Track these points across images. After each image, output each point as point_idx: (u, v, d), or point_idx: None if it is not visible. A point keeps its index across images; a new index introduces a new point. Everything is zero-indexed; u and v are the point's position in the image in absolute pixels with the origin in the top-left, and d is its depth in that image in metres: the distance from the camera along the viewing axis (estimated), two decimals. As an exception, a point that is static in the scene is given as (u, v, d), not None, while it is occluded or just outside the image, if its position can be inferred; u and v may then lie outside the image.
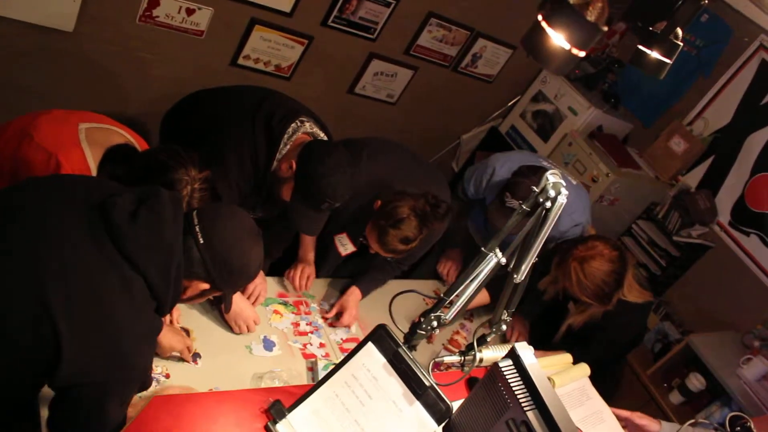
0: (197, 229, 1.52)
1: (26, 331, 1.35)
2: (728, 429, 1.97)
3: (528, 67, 4.43)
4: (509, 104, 4.62)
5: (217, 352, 2.23)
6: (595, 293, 2.48)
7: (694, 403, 3.61)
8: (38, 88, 3.07)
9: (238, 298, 2.29)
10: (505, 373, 1.45)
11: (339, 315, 2.63)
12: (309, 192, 2.25)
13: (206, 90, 2.63)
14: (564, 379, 2.41)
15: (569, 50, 1.56)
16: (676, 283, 4.05)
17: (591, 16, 1.50)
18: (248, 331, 2.34)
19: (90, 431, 1.46)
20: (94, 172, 1.90)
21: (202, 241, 1.51)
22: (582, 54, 1.58)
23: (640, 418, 2.37)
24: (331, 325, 2.62)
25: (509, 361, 1.47)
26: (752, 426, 1.94)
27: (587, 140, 4.13)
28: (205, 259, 1.52)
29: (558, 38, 1.57)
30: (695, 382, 3.55)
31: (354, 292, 2.69)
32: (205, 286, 1.60)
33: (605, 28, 1.55)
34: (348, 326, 2.63)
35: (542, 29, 1.54)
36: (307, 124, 2.38)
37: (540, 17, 1.56)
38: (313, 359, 2.44)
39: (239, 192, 2.33)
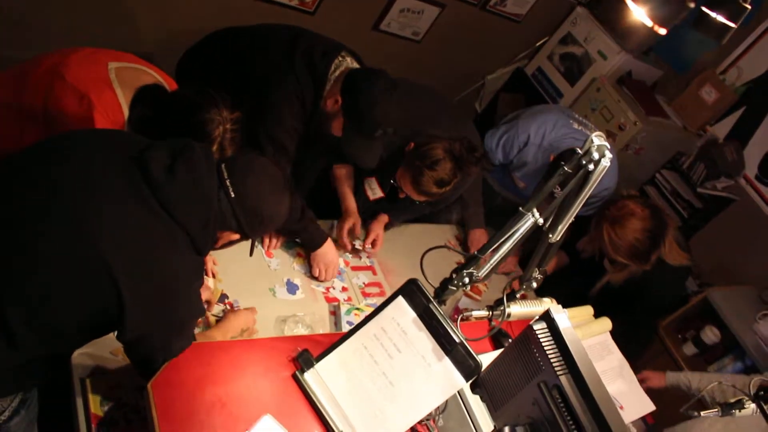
0: (227, 182, 1.53)
1: (90, 293, 1.40)
2: (751, 392, 1.98)
3: (558, 8, 4.30)
4: (537, 45, 4.49)
5: (242, 295, 2.24)
6: (629, 252, 2.48)
7: (707, 355, 3.63)
8: (52, 22, 2.97)
9: (327, 246, 2.42)
10: (539, 335, 1.44)
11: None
12: (362, 122, 2.23)
13: (229, 29, 2.54)
14: (585, 333, 2.41)
15: (651, 27, 1.46)
16: (697, 235, 4.02)
17: (679, -11, 1.42)
18: (326, 278, 2.45)
19: (163, 363, 1.56)
20: (125, 113, 1.87)
21: (233, 195, 1.53)
22: (663, 32, 1.49)
23: (646, 380, 2.41)
24: (366, 251, 2.69)
25: (543, 324, 1.46)
26: (776, 391, 1.94)
27: (616, 86, 4.02)
28: (237, 213, 1.54)
29: (639, 13, 1.47)
30: (710, 334, 3.56)
31: (380, 217, 2.73)
32: (236, 236, 1.63)
33: (692, 5, 1.46)
34: (373, 248, 2.69)
35: (623, 2, 1.45)
36: (348, 59, 2.33)
37: (622, -11, 1.47)
38: (336, 303, 2.46)
39: (298, 136, 2.32)
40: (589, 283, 2.79)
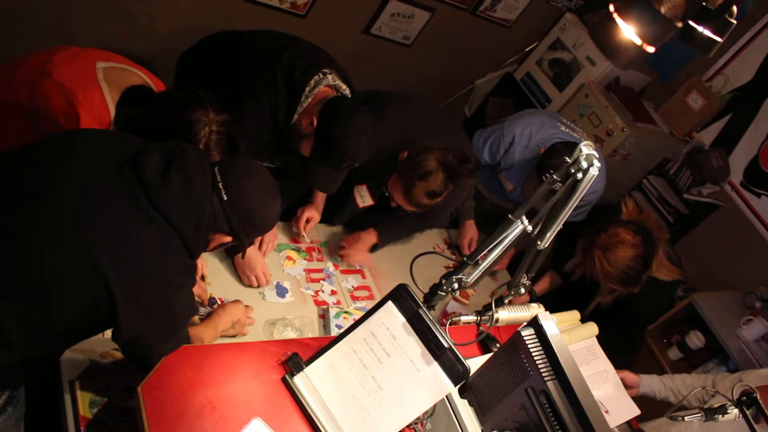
0: (220, 185, 1.54)
1: (83, 294, 1.41)
2: (733, 397, 2.00)
3: (547, 14, 4.33)
4: (526, 50, 4.52)
5: (232, 298, 2.24)
6: (621, 279, 2.51)
7: (692, 360, 3.66)
8: (44, 19, 2.96)
9: (252, 251, 2.31)
10: (527, 341, 1.46)
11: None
12: (329, 151, 2.22)
13: (227, 32, 2.55)
14: (572, 338, 2.43)
15: (640, 45, 1.49)
16: (682, 241, 4.07)
17: (666, 10, 1.44)
18: (257, 284, 2.35)
19: (159, 359, 1.57)
20: (112, 113, 1.88)
21: (225, 198, 1.54)
22: (652, 50, 1.52)
23: (620, 372, 2.44)
24: (340, 255, 2.64)
25: (531, 330, 1.48)
26: (758, 396, 1.96)
27: (604, 92, 4.06)
28: (229, 216, 1.56)
29: (629, 32, 1.50)
30: (695, 339, 3.60)
31: (369, 233, 2.69)
32: (228, 239, 1.65)
33: (679, 25, 1.49)
34: (351, 263, 2.65)
35: (613, 21, 1.48)
36: (330, 77, 2.32)
37: (612, 8, 1.49)
38: (325, 306, 2.47)
39: (256, 140, 2.30)
40: (580, 301, 2.80)
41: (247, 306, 2.15)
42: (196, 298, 2.14)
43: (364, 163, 2.39)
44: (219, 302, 2.19)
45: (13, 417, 1.62)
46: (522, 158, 2.90)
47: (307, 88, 2.26)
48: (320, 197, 2.74)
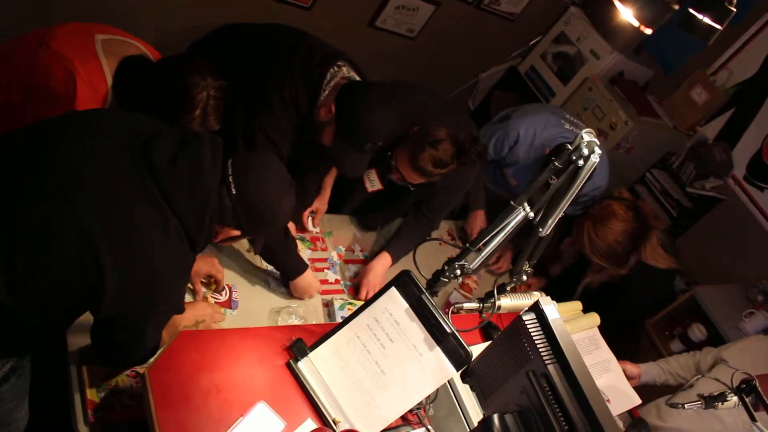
0: (231, 179, 1.53)
1: (72, 265, 1.40)
2: (732, 385, 2.02)
3: (552, 7, 4.33)
4: (530, 44, 4.53)
5: (240, 285, 2.28)
6: (607, 254, 2.49)
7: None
8: (42, 14, 2.97)
9: (308, 273, 2.38)
10: (528, 325, 1.47)
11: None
12: (352, 133, 2.23)
13: (239, 25, 2.56)
14: (574, 327, 2.45)
15: (637, 27, 1.51)
16: (685, 234, 4.08)
17: (664, -8, 1.45)
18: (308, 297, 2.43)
19: (130, 354, 1.58)
20: (109, 83, 1.88)
21: (234, 192, 1.53)
22: (649, 31, 1.53)
23: (620, 363, 2.46)
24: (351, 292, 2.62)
25: (532, 315, 1.49)
26: (757, 384, 1.98)
27: (608, 86, 4.06)
28: (237, 210, 1.55)
29: (627, 13, 1.51)
30: (697, 332, 3.61)
31: (383, 256, 2.67)
32: (236, 232, 1.64)
33: (676, 7, 1.50)
34: (364, 299, 2.55)
35: (611, 2, 1.49)
36: (344, 69, 2.33)
37: (611, -10, 1.51)
38: (329, 297, 2.48)
39: (291, 142, 2.33)
40: (569, 288, 2.82)
41: (216, 311, 2.09)
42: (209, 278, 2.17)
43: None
44: (228, 289, 2.21)
45: (16, 388, 1.63)
46: (526, 156, 2.91)
47: (324, 82, 2.28)
48: (327, 188, 2.76)
